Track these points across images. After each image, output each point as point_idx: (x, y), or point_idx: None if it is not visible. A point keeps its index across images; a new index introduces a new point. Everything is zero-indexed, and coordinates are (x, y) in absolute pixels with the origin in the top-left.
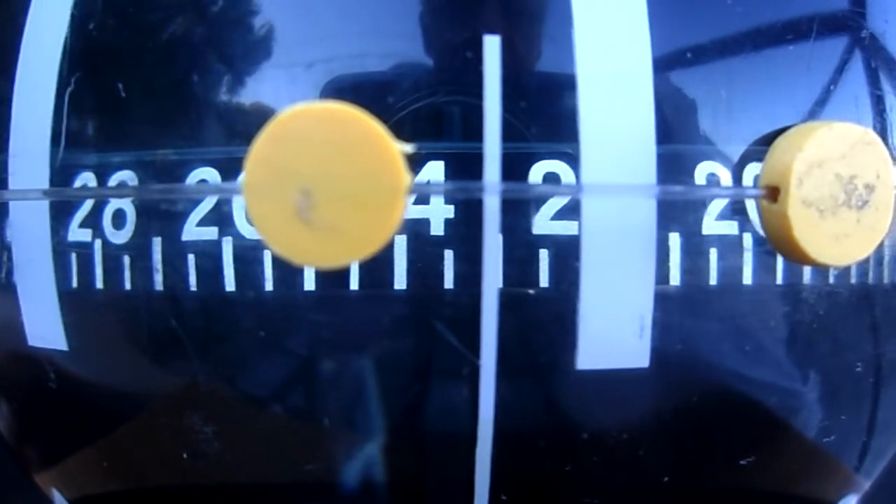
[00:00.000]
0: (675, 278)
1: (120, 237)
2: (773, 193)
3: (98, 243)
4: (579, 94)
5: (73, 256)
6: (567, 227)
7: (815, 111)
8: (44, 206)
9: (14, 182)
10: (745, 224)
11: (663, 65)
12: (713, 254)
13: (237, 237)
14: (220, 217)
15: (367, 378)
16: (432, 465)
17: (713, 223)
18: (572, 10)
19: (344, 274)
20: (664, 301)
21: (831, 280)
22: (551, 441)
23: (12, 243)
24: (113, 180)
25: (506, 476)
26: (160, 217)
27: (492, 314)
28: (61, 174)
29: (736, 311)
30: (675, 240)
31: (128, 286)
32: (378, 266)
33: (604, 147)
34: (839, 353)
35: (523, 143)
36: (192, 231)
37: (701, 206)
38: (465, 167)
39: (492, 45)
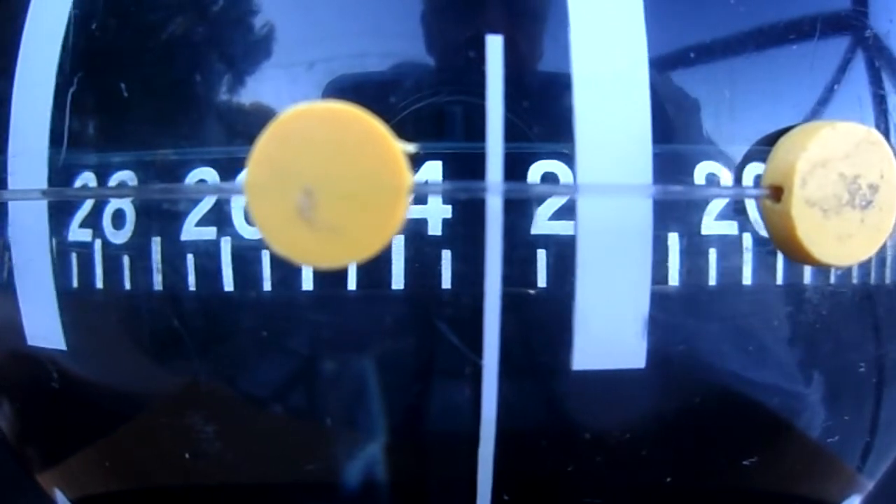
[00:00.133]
0: (674, 278)
1: (120, 237)
2: (777, 193)
3: (98, 243)
4: (575, 93)
5: (73, 256)
6: (565, 227)
7: (818, 111)
8: (43, 206)
9: (14, 182)
10: (745, 224)
11: (660, 65)
12: (713, 254)
13: (236, 237)
14: (219, 217)
15: (369, 378)
16: (434, 465)
17: (713, 223)
18: (568, 10)
19: (342, 274)
20: (664, 301)
21: (833, 280)
22: (553, 441)
23: (12, 243)
24: (113, 180)
25: (508, 476)
26: (160, 217)
27: (494, 314)
28: (61, 174)
29: (736, 312)
30: (674, 240)
31: (128, 286)
32: (376, 266)
33: (600, 147)
34: (841, 354)
35: (524, 142)
36: (191, 231)
37: (701, 206)
38: (463, 167)
39: (494, 45)
